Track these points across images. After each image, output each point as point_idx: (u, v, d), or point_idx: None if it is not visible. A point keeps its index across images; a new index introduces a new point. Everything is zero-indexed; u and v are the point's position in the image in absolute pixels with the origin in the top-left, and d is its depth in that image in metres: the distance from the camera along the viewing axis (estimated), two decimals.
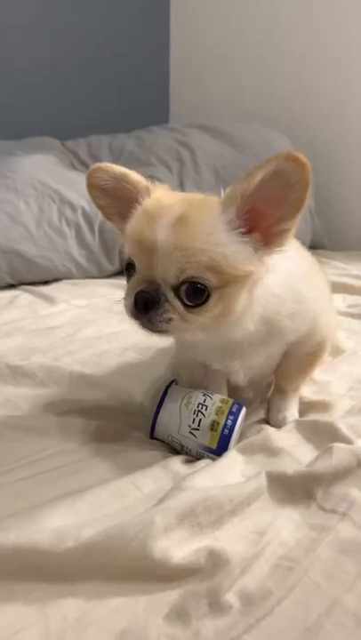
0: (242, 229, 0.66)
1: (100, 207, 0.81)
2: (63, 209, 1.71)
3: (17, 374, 1.02)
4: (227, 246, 0.65)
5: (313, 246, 2.10)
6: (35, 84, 2.24)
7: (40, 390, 0.97)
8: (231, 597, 0.53)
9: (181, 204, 0.68)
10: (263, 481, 0.69)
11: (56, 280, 1.70)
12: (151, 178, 2.08)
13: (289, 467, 0.72)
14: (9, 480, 0.72)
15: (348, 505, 0.66)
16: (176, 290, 0.66)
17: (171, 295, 0.66)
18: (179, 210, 0.66)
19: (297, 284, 0.79)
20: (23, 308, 1.46)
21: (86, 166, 2.05)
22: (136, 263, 0.69)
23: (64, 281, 1.69)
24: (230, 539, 0.61)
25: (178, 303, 0.66)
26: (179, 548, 0.58)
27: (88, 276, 1.73)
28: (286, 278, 0.76)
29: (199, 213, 0.66)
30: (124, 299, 0.69)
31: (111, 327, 1.27)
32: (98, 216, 1.74)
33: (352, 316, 1.40)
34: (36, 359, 1.07)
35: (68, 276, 1.70)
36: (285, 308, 0.77)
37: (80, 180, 1.86)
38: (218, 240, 0.65)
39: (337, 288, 1.49)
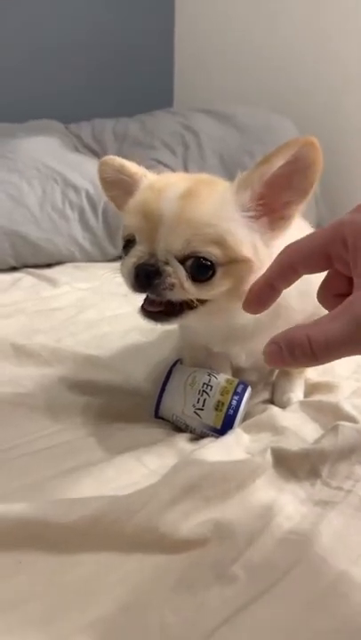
0: (253, 215, 0.65)
1: (110, 199, 0.81)
2: (67, 191, 1.70)
3: (20, 354, 1.02)
4: (235, 225, 0.64)
5: None
6: (37, 66, 2.22)
7: (44, 370, 0.96)
8: (237, 569, 0.53)
9: (189, 181, 0.67)
10: (269, 457, 0.69)
11: (59, 263, 1.69)
12: (156, 161, 2.07)
13: (294, 444, 0.72)
14: (13, 456, 0.72)
15: (354, 482, 0.66)
16: (182, 262, 0.64)
17: (175, 264, 0.64)
18: (187, 185, 0.66)
19: None
20: (26, 290, 1.45)
21: (90, 150, 2.04)
22: (137, 236, 0.67)
23: (67, 264, 1.68)
24: (236, 512, 0.61)
25: (182, 273, 0.64)
26: (184, 520, 0.58)
27: (91, 259, 1.72)
28: None
29: (208, 189, 0.66)
30: (122, 272, 0.67)
31: (113, 310, 1.26)
32: (102, 199, 1.72)
33: None
34: (38, 339, 1.07)
35: (71, 260, 1.69)
36: (293, 287, 0.75)
37: (84, 162, 1.85)
38: (227, 218, 0.64)
39: None
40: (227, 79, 2.47)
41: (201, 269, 0.64)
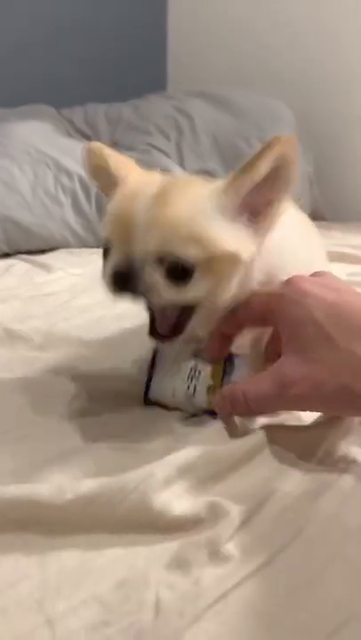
0: (235, 216, 0.64)
1: (99, 187, 0.76)
2: (59, 176, 1.68)
3: (13, 338, 1.01)
4: (214, 225, 0.62)
5: (312, 217, 2.07)
6: (29, 50, 2.19)
7: (36, 354, 0.96)
8: (231, 547, 0.53)
9: (166, 180, 0.65)
10: (263, 437, 0.68)
11: (53, 249, 1.67)
12: (150, 146, 2.05)
13: (289, 424, 0.71)
14: (5, 441, 0.71)
15: (349, 462, 0.66)
16: (159, 264, 0.62)
17: (152, 267, 0.62)
18: (163, 184, 0.64)
19: (295, 244, 0.76)
20: (19, 276, 1.44)
21: (83, 134, 2.01)
22: (113, 242, 0.65)
23: (61, 250, 1.67)
24: (231, 492, 0.60)
25: (160, 277, 0.62)
26: (179, 500, 0.58)
27: (85, 245, 1.70)
28: (283, 242, 0.72)
29: (184, 188, 0.64)
30: (102, 279, 0.65)
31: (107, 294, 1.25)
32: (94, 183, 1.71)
33: (352, 284, 1.39)
34: (32, 324, 1.06)
35: (65, 245, 1.68)
36: (286, 260, 0.73)
37: (76, 147, 1.82)
38: (204, 214, 0.62)
39: (336, 258, 1.48)
40: (222, 62, 2.44)
41: (178, 270, 0.62)
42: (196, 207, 0.62)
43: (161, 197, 0.62)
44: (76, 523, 0.56)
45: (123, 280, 0.63)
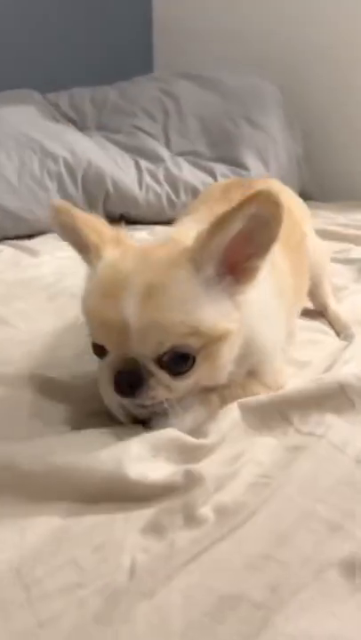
0: (217, 282, 0.63)
1: (72, 246, 0.72)
2: (45, 161, 1.67)
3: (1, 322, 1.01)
4: (205, 309, 0.61)
5: (301, 197, 2.07)
6: (12, 34, 2.16)
7: (20, 336, 0.96)
8: (206, 511, 0.54)
9: (144, 271, 0.61)
10: (236, 413, 0.68)
11: (40, 234, 1.67)
12: (136, 128, 2.03)
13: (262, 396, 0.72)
14: None
15: (326, 428, 0.67)
16: (158, 362, 0.61)
17: (154, 367, 0.61)
18: (144, 280, 0.60)
19: (263, 295, 0.72)
20: (5, 261, 1.44)
21: (68, 119, 2.00)
22: (108, 347, 0.63)
23: (48, 235, 1.66)
24: (207, 464, 0.61)
25: (163, 374, 0.62)
26: (154, 470, 0.59)
27: None
28: (256, 307, 0.70)
29: (169, 280, 0.61)
30: (100, 381, 0.65)
31: None
32: (81, 167, 1.70)
33: (338, 261, 1.40)
34: (16, 306, 1.07)
35: (51, 230, 1.67)
36: (259, 320, 0.71)
37: (62, 131, 1.82)
38: (195, 305, 0.61)
39: (324, 235, 1.48)
40: (209, 43, 2.41)
41: (179, 362, 0.61)
42: (186, 298, 0.61)
43: (149, 298, 0.59)
44: (54, 491, 0.57)
45: (128, 385, 0.62)
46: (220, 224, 0.61)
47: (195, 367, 0.63)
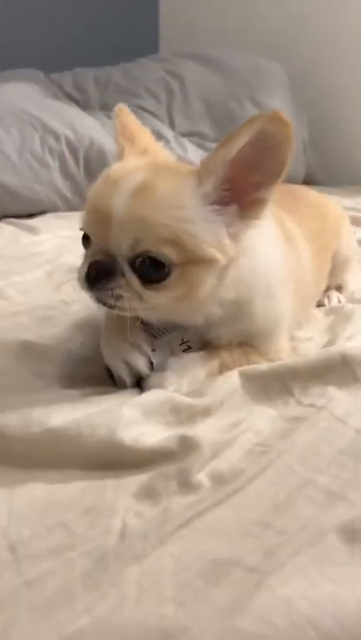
0: (217, 205, 0.60)
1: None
2: (46, 138, 1.65)
3: None
4: (195, 223, 0.59)
5: (307, 182, 2.04)
6: (17, 15, 2.13)
7: (16, 308, 0.94)
8: (202, 477, 0.52)
9: (148, 170, 0.61)
10: (236, 380, 0.67)
11: (41, 213, 1.65)
12: (139, 109, 2.00)
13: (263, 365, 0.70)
14: None
15: (327, 400, 0.65)
16: (132, 263, 0.59)
17: (127, 268, 0.59)
18: (143, 176, 0.60)
19: (272, 271, 0.72)
20: (5, 237, 1.42)
21: (71, 99, 1.97)
22: (91, 235, 0.62)
23: (48, 214, 1.64)
24: (203, 430, 0.60)
25: (134, 278, 0.60)
26: (148, 435, 0.57)
27: (73, 208, 1.67)
28: (262, 263, 0.70)
29: (167, 182, 0.60)
30: (79, 269, 0.63)
31: None
32: (83, 146, 1.67)
33: None
34: (13, 280, 1.05)
35: (53, 209, 1.65)
36: (258, 292, 0.69)
37: (64, 109, 1.80)
38: (186, 215, 0.59)
39: None
40: (215, 23, 2.37)
41: (151, 269, 0.59)
42: (177, 204, 0.59)
43: (140, 192, 0.58)
44: (44, 457, 0.55)
45: (95, 276, 0.60)
46: (226, 139, 0.59)
47: (168, 281, 0.60)
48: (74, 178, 1.67)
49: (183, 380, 0.65)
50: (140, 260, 0.59)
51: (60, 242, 1.37)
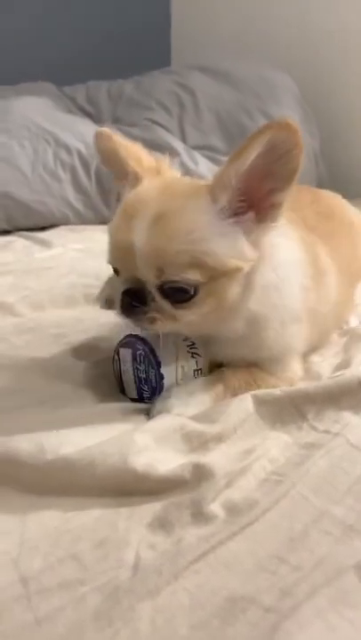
0: (234, 217, 0.62)
1: (114, 176, 0.74)
2: (59, 152, 1.66)
3: (6, 311, 1.00)
4: (214, 241, 0.61)
5: None
6: (31, 27, 2.15)
7: (27, 324, 0.94)
8: (216, 508, 0.51)
9: (162, 199, 0.63)
10: (249, 405, 0.66)
11: (53, 226, 1.65)
12: (151, 122, 2.01)
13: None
14: None
15: (342, 426, 0.64)
16: (160, 288, 0.62)
17: (157, 294, 0.63)
18: (158, 206, 0.61)
19: (290, 305, 0.72)
20: (17, 251, 1.43)
21: (84, 112, 1.98)
22: (118, 267, 0.66)
23: (61, 227, 1.65)
24: (216, 457, 0.59)
25: (164, 302, 0.63)
26: (161, 463, 0.56)
27: (85, 222, 1.68)
28: (283, 265, 0.70)
29: (180, 208, 0.62)
30: (115, 298, 0.66)
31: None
32: (94, 159, 1.68)
33: None
34: (24, 295, 1.05)
35: (64, 222, 1.66)
36: (275, 316, 0.70)
37: (76, 122, 1.81)
38: (202, 236, 0.60)
39: None
40: (227, 36, 2.38)
41: (179, 292, 0.62)
42: (195, 228, 0.60)
43: (157, 223, 0.60)
44: (57, 484, 0.54)
45: (130, 302, 0.63)
46: (237, 153, 0.60)
47: (196, 299, 0.62)
48: (86, 191, 1.67)
49: (188, 407, 0.66)
50: (167, 286, 0.62)
51: (72, 256, 1.37)
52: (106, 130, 0.72)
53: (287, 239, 0.69)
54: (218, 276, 0.62)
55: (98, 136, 0.71)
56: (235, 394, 0.69)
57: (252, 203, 0.62)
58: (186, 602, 0.43)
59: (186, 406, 0.66)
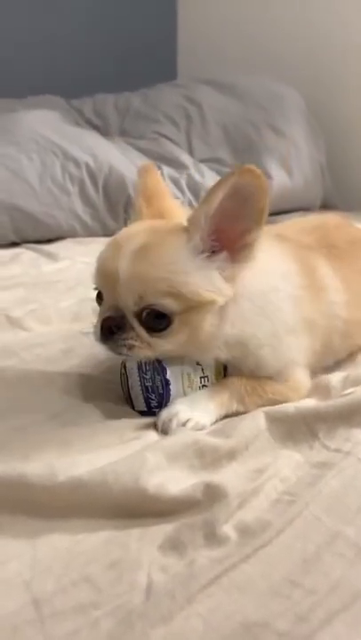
0: (207, 253, 0.67)
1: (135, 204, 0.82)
2: (67, 165, 1.67)
3: (14, 325, 1.00)
4: (190, 274, 0.66)
5: (324, 206, 2.04)
6: (39, 41, 2.17)
7: (35, 339, 0.95)
8: (228, 529, 0.51)
9: (146, 234, 0.69)
10: (262, 422, 0.66)
11: (60, 239, 1.66)
12: (158, 135, 2.02)
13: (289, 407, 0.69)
14: (3, 427, 0.69)
15: (353, 444, 0.63)
16: (138, 316, 0.66)
17: (134, 322, 0.67)
18: (142, 239, 0.68)
19: (278, 315, 0.73)
20: (24, 263, 1.43)
21: (91, 125, 2.00)
22: (102, 292, 0.70)
23: (68, 239, 1.65)
24: (228, 477, 0.59)
25: (141, 329, 0.66)
26: (173, 483, 0.56)
27: (92, 234, 1.68)
28: (261, 293, 0.73)
29: (161, 242, 0.68)
30: (94, 325, 0.70)
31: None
32: (102, 172, 1.69)
33: None
34: (31, 309, 1.06)
35: (72, 234, 1.66)
36: (265, 341, 0.72)
37: (84, 135, 1.82)
38: (180, 268, 0.66)
39: None
40: (233, 50, 2.40)
41: (157, 319, 0.66)
42: (173, 260, 0.66)
43: (140, 253, 0.66)
44: (67, 505, 0.54)
45: (108, 329, 0.67)
46: (206, 196, 0.66)
47: (171, 328, 0.66)
48: (93, 204, 1.68)
49: (194, 413, 0.68)
50: (145, 312, 0.66)
51: (79, 268, 1.37)
52: (146, 165, 0.80)
53: (268, 254, 0.71)
54: (193, 306, 0.66)
55: (140, 168, 0.80)
56: (241, 400, 0.71)
57: (225, 243, 0.67)
58: (200, 627, 0.42)
59: (191, 412, 0.68)
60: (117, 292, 0.67)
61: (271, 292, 0.74)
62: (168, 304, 0.65)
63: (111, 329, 0.67)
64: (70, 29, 2.25)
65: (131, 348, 0.67)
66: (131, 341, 0.66)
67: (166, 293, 0.65)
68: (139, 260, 0.65)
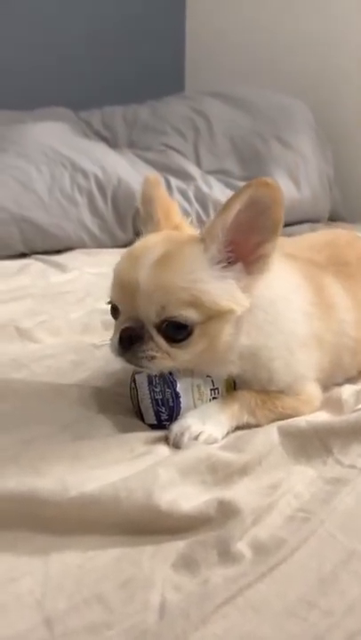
0: (224, 263, 0.67)
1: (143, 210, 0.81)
2: (75, 176, 1.68)
3: (24, 337, 1.00)
4: (208, 283, 0.66)
5: (332, 218, 2.04)
6: (47, 53, 2.20)
7: (44, 351, 0.94)
8: (242, 547, 0.51)
9: (163, 245, 0.69)
10: (275, 436, 0.65)
11: (68, 249, 1.67)
12: (166, 146, 2.03)
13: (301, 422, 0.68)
14: (8, 436, 0.69)
15: None
16: (159, 327, 0.66)
17: (154, 332, 0.66)
18: (160, 250, 0.67)
19: (290, 328, 0.74)
20: (33, 275, 1.43)
21: (100, 136, 2.01)
22: (119, 305, 0.69)
23: (76, 250, 1.66)
24: (241, 493, 0.58)
25: (161, 340, 0.66)
26: (186, 499, 0.55)
27: (101, 245, 1.69)
28: (275, 303, 0.73)
29: (180, 252, 0.68)
30: (111, 338, 0.69)
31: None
32: (111, 184, 1.70)
33: None
34: (40, 321, 1.06)
35: (80, 246, 1.67)
36: (279, 357, 0.72)
37: (92, 147, 1.83)
38: (199, 277, 0.66)
39: None
40: (241, 63, 2.42)
41: (178, 330, 0.65)
42: (192, 270, 0.66)
43: (160, 264, 0.66)
44: (79, 521, 0.54)
45: (128, 339, 0.66)
46: (223, 208, 0.66)
47: (192, 339, 0.66)
48: (102, 215, 1.69)
49: (205, 426, 0.68)
50: (165, 324, 0.65)
51: (88, 279, 1.38)
52: (155, 177, 0.79)
53: (279, 269, 0.71)
54: (212, 316, 0.65)
55: (145, 180, 0.79)
56: (251, 412, 0.71)
57: (241, 254, 0.67)
58: None
59: (203, 425, 0.68)
60: (137, 303, 0.66)
61: (284, 303, 0.74)
62: (190, 315, 0.65)
63: (131, 339, 0.66)
64: (79, 42, 2.27)
65: (152, 359, 0.66)
66: (151, 352, 0.66)
67: (188, 303, 0.64)
68: (160, 270, 0.65)
